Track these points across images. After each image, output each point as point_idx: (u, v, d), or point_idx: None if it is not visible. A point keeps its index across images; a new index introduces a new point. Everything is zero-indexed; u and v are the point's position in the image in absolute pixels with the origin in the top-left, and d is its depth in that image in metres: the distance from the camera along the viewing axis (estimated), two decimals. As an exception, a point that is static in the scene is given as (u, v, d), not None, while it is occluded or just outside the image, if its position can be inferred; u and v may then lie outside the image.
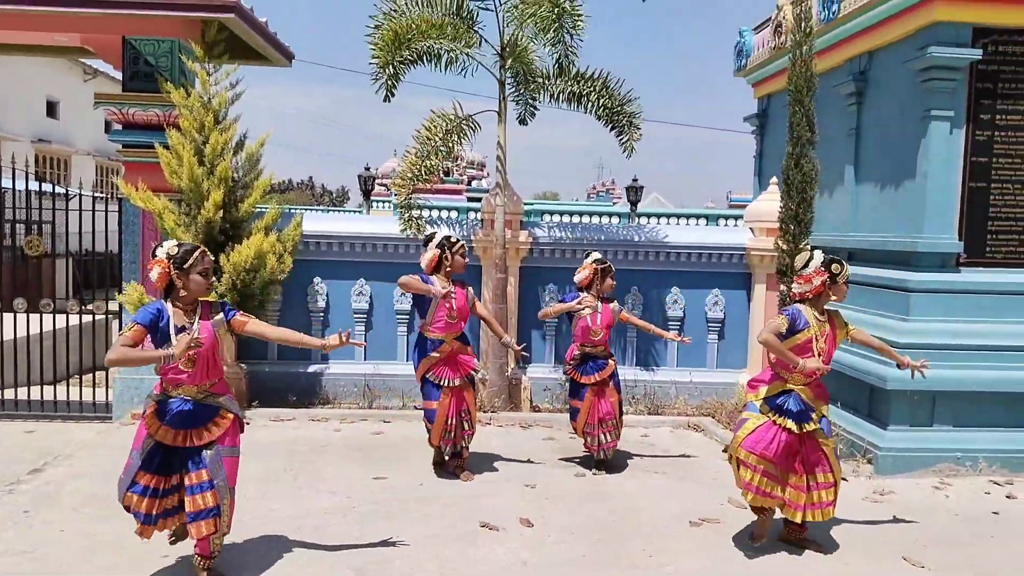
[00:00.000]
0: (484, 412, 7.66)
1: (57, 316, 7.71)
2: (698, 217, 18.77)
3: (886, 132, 7.00)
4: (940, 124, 6.29)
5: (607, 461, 6.19)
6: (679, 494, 5.61)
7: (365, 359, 8.31)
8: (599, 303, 6.09)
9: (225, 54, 7.76)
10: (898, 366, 4.96)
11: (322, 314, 8.32)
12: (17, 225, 9.93)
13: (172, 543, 4.23)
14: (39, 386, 7.60)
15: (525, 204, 15.63)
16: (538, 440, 7.03)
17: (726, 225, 16.27)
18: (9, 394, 7.59)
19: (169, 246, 3.94)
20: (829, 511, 4.61)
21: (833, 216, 7.87)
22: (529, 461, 6.36)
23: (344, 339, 4.04)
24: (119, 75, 7.87)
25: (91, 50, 8.58)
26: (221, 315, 4.05)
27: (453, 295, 5.73)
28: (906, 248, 6.51)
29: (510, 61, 7.63)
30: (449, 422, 5.75)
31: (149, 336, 3.85)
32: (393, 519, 5.02)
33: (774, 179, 8.18)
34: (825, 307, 4.64)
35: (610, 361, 6.16)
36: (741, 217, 9.62)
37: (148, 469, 3.88)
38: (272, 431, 6.95)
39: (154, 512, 3.91)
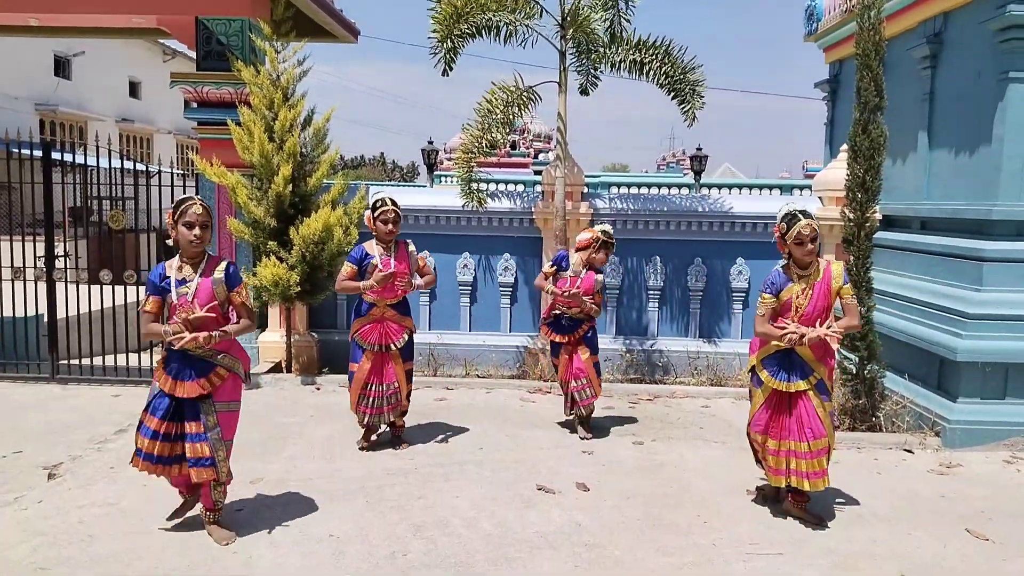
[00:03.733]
0: (544, 381, 7.79)
1: (140, 287, 8.13)
2: (770, 187, 18.27)
3: (961, 96, 6.74)
4: (1018, 86, 6.01)
5: (587, 420, 6.27)
6: (736, 464, 5.61)
7: (430, 329, 8.51)
8: (584, 270, 6.10)
9: (292, 32, 7.98)
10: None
11: (388, 285, 8.52)
12: (103, 201, 10.46)
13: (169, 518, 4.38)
14: (124, 353, 8.05)
15: (591, 176, 15.58)
16: (597, 408, 7.08)
17: (800, 195, 15.88)
18: (98, 361, 8.06)
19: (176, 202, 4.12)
20: (819, 482, 4.48)
21: (905, 184, 7.64)
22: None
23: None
24: (195, 55, 8.18)
25: (167, 31, 8.92)
26: (223, 275, 4.13)
27: (381, 266, 5.56)
28: (980, 216, 6.28)
29: (571, 31, 7.60)
30: (369, 387, 5.66)
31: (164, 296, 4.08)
32: (452, 481, 5.19)
33: (844, 147, 7.97)
34: (816, 261, 4.47)
35: (583, 323, 6.16)
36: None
37: (155, 414, 4.10)
38: (341, 396, 7.18)
39: (155, 453, 4.09)
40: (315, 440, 5.92)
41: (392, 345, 5.69)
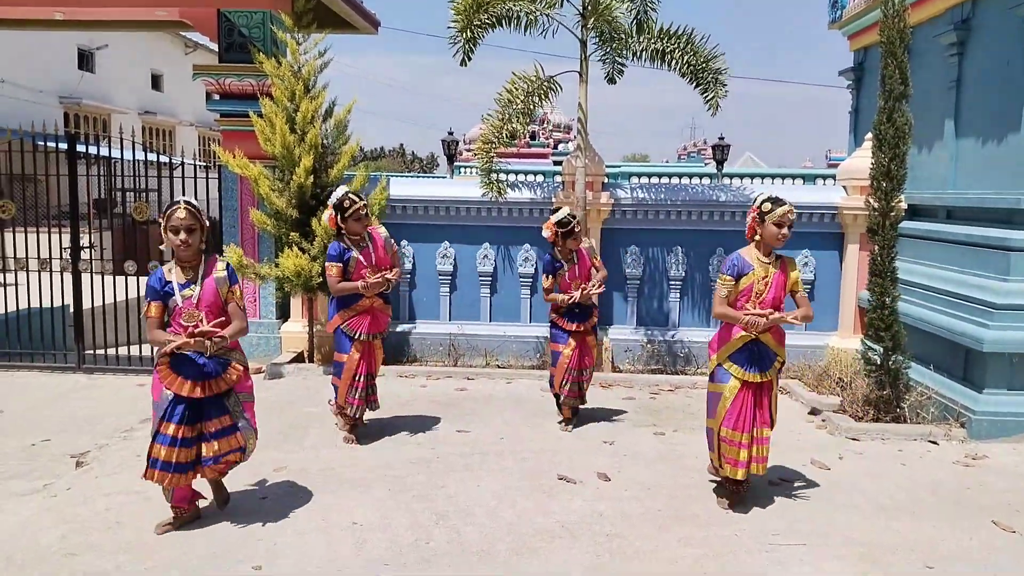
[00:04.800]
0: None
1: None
2: (793, 177, 18.10)
3: (989, 84, 6.63)
4: (1049, 72, 5.91)
5: (576, 412, 6.30)
6: (759, 454, 5.58)
7: (450, 319, 8.54)
8: (575, 254, 6.07)
9: (313, 23, 7.99)
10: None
11: (408, 276, 8.55)
12: (126, 193, 10.56)
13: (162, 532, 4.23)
14: (149, 343, 8.13)
15: (612, 166, 15.51)
16: (618, 399, 7.09)
17: (823, 184, 15.71)
18: (123, 351, 8.16)
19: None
20: (762, 467, 4.60)
21: (931, 173, 7.54)
22: (608, 419, 6.44)
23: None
24: (217, 47, 8.23)
25: (189, 23, 8.98)
26: (224, 274, 4.15)
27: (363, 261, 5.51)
28: (1008, 206, 6.19)
29: (592, 20, 7.55)
30: (357, 379, 5.63)
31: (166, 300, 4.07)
32: (474, 470, 5.21)
33: (869, 135, 7.87)
34: (774, 252, 4.55)
35: (593, 310, 6.18)
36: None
37: (172, 419, 4.06)
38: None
39: (174, 461, 4.04)
40: (337, 429, 5.96)
41: (381, 334, 5.75)
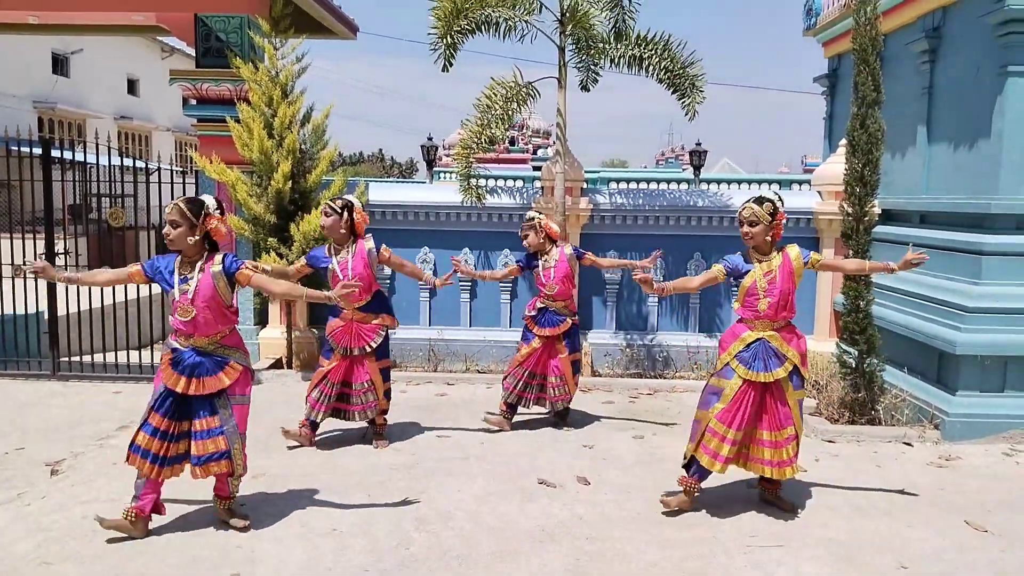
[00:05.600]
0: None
1: (141, 285, 8.13)
2: (769, 182, 18.29)
3: (960, 90, 6.75)
4: (1018, 80, 6.02)
5: (565, 413, 6.36)
6: (737, 457, 5.62)
7: (430, 324, 8.53)
8: (553, 259, 6.13)
9: (291, 28, 7.97)
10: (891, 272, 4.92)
11: (388, 281, 8.54)
12: (102, 198, 10.46)
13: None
14: (125, 350, 8.06)
15: (590, 172, 15.58)
16: (597, 403, 7.12)
17: (799, 190, 15.89)
18: (99, 358, 8.07)
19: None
20: (787, 470, 4.56)
21: (904, 178, 7.66)
22: (588, 423, 6.46)
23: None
24: (194, 52, 8.18)
25: (166, 28, 8.92)
26: (220, 267, 4.15)
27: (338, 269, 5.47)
28: (979, 210, 6.30)
29: (570, 27, 7.61)
30: (326, 383, 5.59)
31: (160, 285, 4.15)
32: (455, 475, 5.21)
33: (843, 141, 7.98)
34: (777, 245, 4.60)
35: (567, 319, 6.18)
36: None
37: (159, 410, 4.10)
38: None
39: (161, 453, 4.08)
40: (319, 435, 5.92)
41: (365, 347, 5.59)
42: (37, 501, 4.67)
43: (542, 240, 6.18)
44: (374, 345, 5.61)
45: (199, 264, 4.14)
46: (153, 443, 4.07)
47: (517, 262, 6.40)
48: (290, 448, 5.70)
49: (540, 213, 6.32)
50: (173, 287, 4.10)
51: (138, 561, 3.92)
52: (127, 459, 4.14)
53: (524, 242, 6.23)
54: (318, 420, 5.72)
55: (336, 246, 5.55)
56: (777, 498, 4.73)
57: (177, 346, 4.15)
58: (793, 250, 4.60)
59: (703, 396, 4.71)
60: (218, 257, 4.19)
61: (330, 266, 5.49)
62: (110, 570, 3.83)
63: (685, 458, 4.71)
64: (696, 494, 4.66)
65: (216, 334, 4.18)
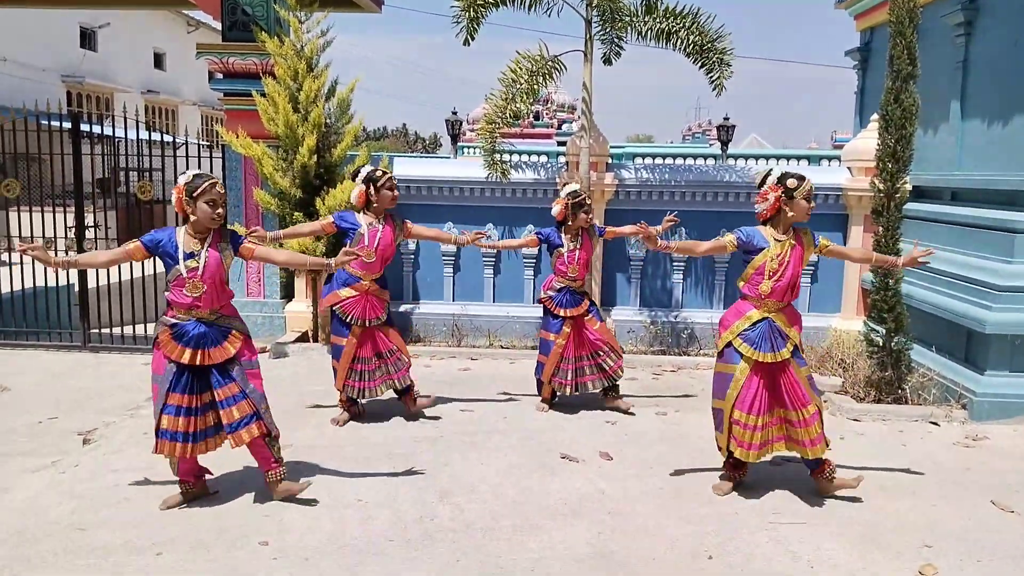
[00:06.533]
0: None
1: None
2: (798, 158, 18.07)
3: (996, 64, 6.60)
4: (1056, 53, 5.88)
5: (616, 387, 6.17)
6: (761, 434, 5.61)
7: (453, 300, 8.56)
8: (578, 240, 5.96)
9: (316, 2, 7.95)
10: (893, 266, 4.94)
11: (412, 256, 8.57)
12: (129, 172, 10.56)
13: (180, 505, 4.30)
14: (154, 322, 8.16)
15: (616, 147, 15.46)
16: (621, 380, 7.10)
17: (828, 165, 15.67)
18: (128, 330, 8.20)
19: (187, 176, 4.14)
20: (819, 448, 4.44)
21: (936, 154, 7.52)
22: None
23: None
24: (219, 26, 8.19)
25: (192, 2, 8.93)
26: (227, 243, 4.22)
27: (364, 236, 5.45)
28: (1013, 187, 6.18)
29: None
30: (357, 361, 5.58)
31: (161, 259, 4.12)
32: (478, 449, 5.25)
33: (875, 116, 7.84)
34: (792, 226, 4.46)
35: (585, 298, 6.04)
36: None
37: (176, 389, 4.12)
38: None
39: (190, 430, 4.11)
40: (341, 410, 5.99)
41: (379, 318, 5.61)
42: (70, 469, 4.78)
43: (591, 219, 6.03)
44: (384, 318, 5.65)
45: (207, 240, 4.16)
46: (179, 422, 4.10)
47: (537, 233, 6.19)
48: (327, 421, 5.77)
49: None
50: (178, 263, 4.08)
51: (170, 529, 4.01)
52: (155, 448, 4.15)
53: (572, 221, 5.90)
54: (364, 399, 5.76)
55: (371, 216, 5.54)
56: (834, 481, 4.53)
57: (176, 320, 4.14)
58: (807, 234, 4.53)
59: (715, 384, 4.64)
60: (225, 235, 4.24)
61: (360, 230, 5.46)
62: (143, 537, 3.92)
63: (722, 451, 4.65)
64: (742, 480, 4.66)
65: (219, 305, 4.22)
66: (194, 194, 4.06)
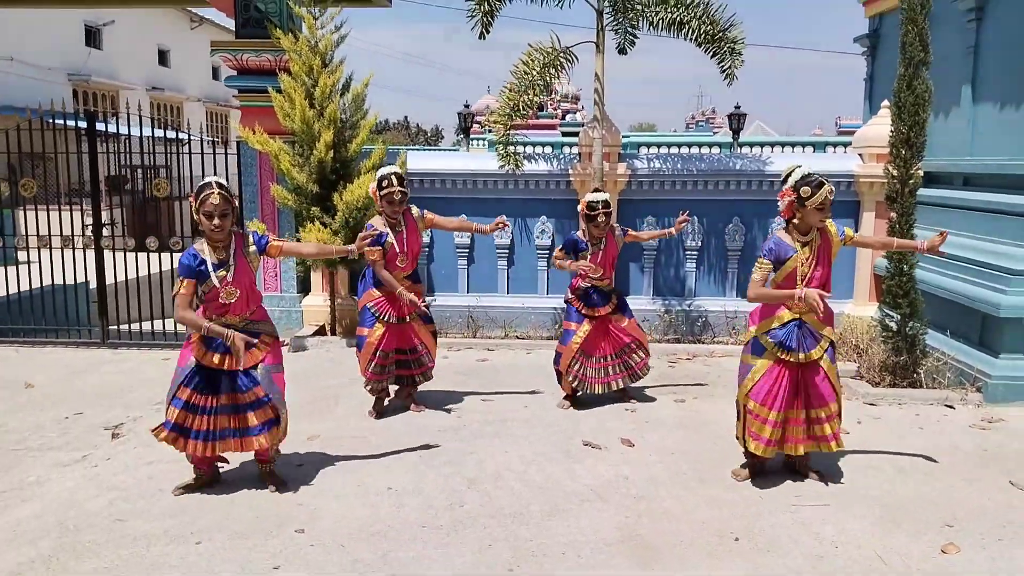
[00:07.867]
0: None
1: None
2: (803, 145, 18.07)
3: (1009, 49, 6.63)
4: (1068, 37, 5.92)
5: (626, 390, 6.12)
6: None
7: (468, 292, 8.63)
8: (602, 242, 5.79)
9: (328, -2, 8.00)
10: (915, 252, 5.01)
11: (427, 249, 8.63)
12: (138, 169, 10.61)
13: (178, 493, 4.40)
14: (172, 318, 8.25)
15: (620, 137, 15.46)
16: (638, 368, 7.19)
17: (834, 152, 15.69)
18: (146, 326, 8.29)
19: (198, 185, 4.17)
20: (832, 444, 4.50)
21: (948, 140, 7.56)
22: (629, 387, 6.53)
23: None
24: (224, 22, 8.26)
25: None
26: (253, 247, 4.27)
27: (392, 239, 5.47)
28: (1026, 171, 6.23)
29: (609, -10, 7.55)
30: (378, 354, 5.59)
31: (199, 280, 4.13)
32: (501, 437, 5.33)
33: (886, 102, 7.86)
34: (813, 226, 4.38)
35: (613, 297, 5.95)
36: (850, 144, 9.29)
37: (189, 384, 4.21)
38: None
39: (202, 428, 4.21)
40: (363, 399, 6.06)
41: (410, 316, 5.65)
42: (102, 463, 4.87)
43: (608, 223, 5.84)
44: (419, 312, 5.67)
45: (231, 247, 4.20)
46: (185, 417, 4.20)
47: (562, 248, 5.95)
48: (349, 412, 5.85)
49: (607, 204, 5.79)
50: (209, 275, 4.13)
51: (207, 518, 4.10)
52: (158, 434, 4.27)
53: (595, 228, 5.73)
54: (383, 387, 5.82)
55: (391, 219, 5.54)
56: (807, 468, 4.66)
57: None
58: (832, 227, 4.46)
59: (739, 374, 4.67)
60: (249, 238, 4.29)
61: (388, 239, 5.46)
62: (180, 526, 4.01)
63: (739, 441, 4.70)
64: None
65: (249, 310, 4.31)
66: (197, 204, 4.10)
